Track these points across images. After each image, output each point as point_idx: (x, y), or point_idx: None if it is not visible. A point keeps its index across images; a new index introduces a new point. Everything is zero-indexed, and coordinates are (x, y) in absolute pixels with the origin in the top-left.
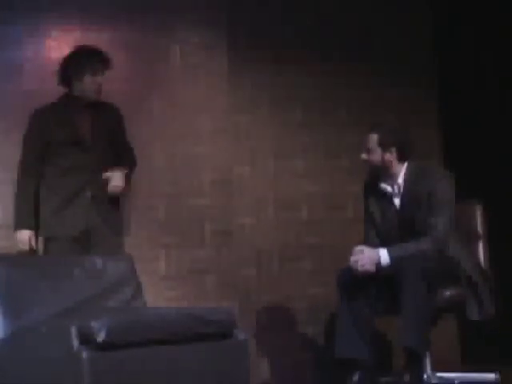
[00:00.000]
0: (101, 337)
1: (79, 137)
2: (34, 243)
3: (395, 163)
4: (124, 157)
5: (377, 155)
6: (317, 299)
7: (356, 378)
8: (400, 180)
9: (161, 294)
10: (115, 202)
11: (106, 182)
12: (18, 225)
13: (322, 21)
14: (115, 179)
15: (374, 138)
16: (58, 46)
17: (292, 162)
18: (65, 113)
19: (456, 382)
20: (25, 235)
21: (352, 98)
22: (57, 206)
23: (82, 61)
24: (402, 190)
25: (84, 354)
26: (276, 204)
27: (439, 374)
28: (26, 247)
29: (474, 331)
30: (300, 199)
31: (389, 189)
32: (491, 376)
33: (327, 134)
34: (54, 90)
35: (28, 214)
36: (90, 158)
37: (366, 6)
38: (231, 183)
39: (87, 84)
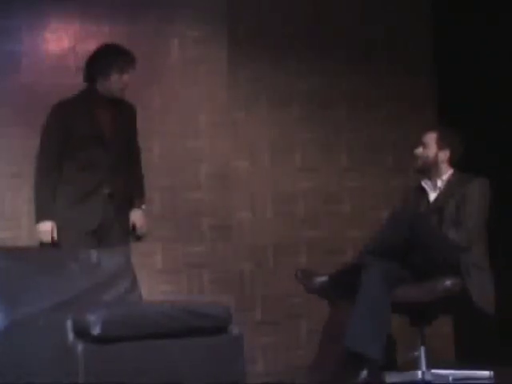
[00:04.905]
0: (96, 330)
1: (100, 132)
2: (55, 234)
3: (444, 164)
4: (139, 184)
5: (431, 152)
6: (313, 294)
7: (363, 376)
8: (444, 177)
9: (156, 287)
10: (128, 200)
11: (122, 179)
12: (41, 216)
13: (322, 17)
14: (140, 226)
15: (433, 135)
16: (57, 39)
17: (289, 157)
18: (87, 107)
19: (450, 378)
20: (47, 227)
21: (350, 95)
22: (73, 199)
23: (109, 58)
24: (441, 188)
25: (79, 347)
26: (273, 199)
27: (434, 371)
28: (49, 238)
29: (468, 328)
30: (297, 194)
31: (428, 184)
32: (485, 373)
33: (325, 129)
34: (52, 84)
35: (49, 205)
36: (110, 155)
37: (365, 5)
38: (228, 178)
39: (114, 82)
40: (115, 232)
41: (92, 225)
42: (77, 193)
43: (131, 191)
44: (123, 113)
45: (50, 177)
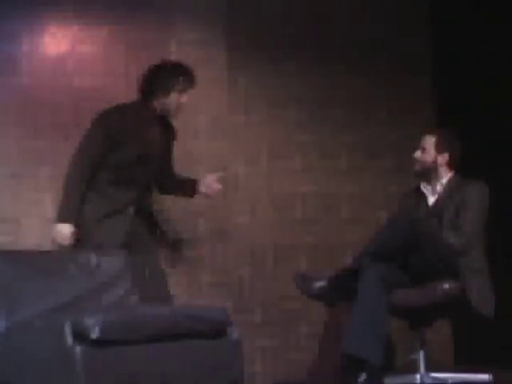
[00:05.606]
0: (94, 333)
1: (146, 152)
2: (72, 239)
3: (443, 168)
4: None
5: (430, 156)
6: (311, 299)
7: (362, 378)
8: (443, 181)
9: None
10: (155, 213)
11: (151, 197)
12: (63, 218)
13: (322, 17)
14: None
15: (431, 139)
16: (56, 41)
17: (288, 161)
18: (138, 125)
19: (449, 382)
20: (68, 230)
21: (349, 98)
22: (104, 212)
23: (173, 76)
24: (440, 192)
25: (77, 351)
26: (271, 203)
27: (433, 375)
28: (67, 242)
29: (467, 332)
30: (295, 198)
31: (428, 188)
32: (484, 377)
33: (323, 133)
34: (51, 86)
35: (75, 209)
36: (147, 174)
37: (365, 5)
38: (227, 182)
39: (173, 100)
40: (142, 247)
41: (116, 242)
42: (108, 207)
43: (184, 185)
44: (168, 132)
45: (83, 182)
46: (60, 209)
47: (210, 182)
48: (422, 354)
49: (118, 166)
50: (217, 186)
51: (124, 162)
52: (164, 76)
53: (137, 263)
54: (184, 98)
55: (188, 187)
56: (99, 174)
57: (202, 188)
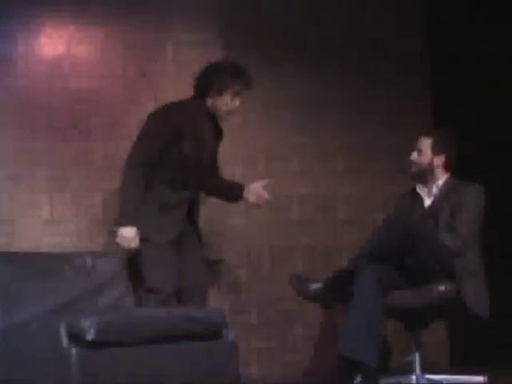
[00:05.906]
0: (90, 335)
1: (202, 154)
2: (137, 242)
3: (440, 170)
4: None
5: (426, 158)
6: (307, 300)
7: (358, 380)
8: (439, 182)
9: None
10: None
11: (199, 195)
12: (126, 222)
13: (321, 20)
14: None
15: (427, 141)
16: (52, 42)
17: (285, 162)
18: (195, 124)
19: (445, 383)
20: (132, 233)
21: (345, 99)
22: (157, 212)
23: (227, 77)
24: (436, 194)
25: (73, 352)
26: (268, 205)
27: (428, 376)
28: (132, 245)
29: (463, 333)
30: (292, 200)
31: (424, 189)
32: (479, 378)
33: (320, 135)
34: (47, 86)
35: (135, 212)
36: (201, 174)
37: (365, 5)
38: None
39: (225, 102)
40: (190, 245)
41: (167, 239)
42: (159, 206)
43: (230, 189)
44: (218, 132)
45: (141, 182)
46: (121, 212)
47: (257, 190)
48: (417, 356)
49: (172, 166)
50: (265, 195)
51: (179, 161)
52: (219, 76)
53: (182, 261)
54: (237, 101)
55: (233, 191)
56: (153, 173)
57: (250, 196)
